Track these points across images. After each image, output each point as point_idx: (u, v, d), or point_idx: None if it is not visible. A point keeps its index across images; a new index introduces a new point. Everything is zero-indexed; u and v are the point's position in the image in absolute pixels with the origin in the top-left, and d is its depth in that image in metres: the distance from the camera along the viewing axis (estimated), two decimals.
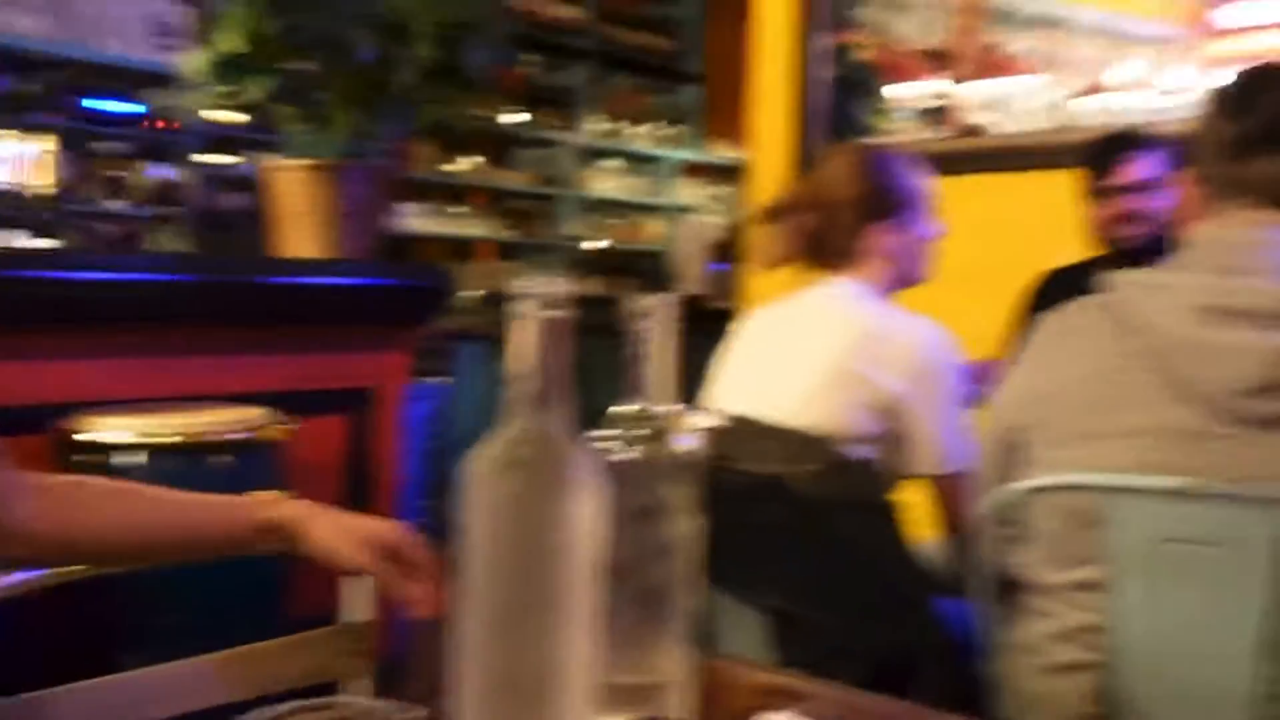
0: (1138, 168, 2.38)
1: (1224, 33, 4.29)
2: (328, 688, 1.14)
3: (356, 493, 2.35)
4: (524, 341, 0.63)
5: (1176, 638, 1.24)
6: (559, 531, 0.64)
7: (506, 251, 6.23)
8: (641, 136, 6.72)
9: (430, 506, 2.66)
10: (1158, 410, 1.24)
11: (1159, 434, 1.23)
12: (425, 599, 0.97)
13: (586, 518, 0.66)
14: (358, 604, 1.20)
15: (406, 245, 5.61)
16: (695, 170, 7.13)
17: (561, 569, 0.64)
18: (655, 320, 0.81)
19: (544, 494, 0.63)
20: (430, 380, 3.23)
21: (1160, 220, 2.30)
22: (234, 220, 4.70)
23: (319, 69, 2.09)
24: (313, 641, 1.19)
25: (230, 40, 1.98)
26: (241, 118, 4.25)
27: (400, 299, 2.44)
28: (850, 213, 1.76)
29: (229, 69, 2.02)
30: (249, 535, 1.04)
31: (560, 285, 0.63)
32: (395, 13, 2.03)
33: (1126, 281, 1.30)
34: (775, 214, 1.82)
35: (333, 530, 1.02)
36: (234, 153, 5.10)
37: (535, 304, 0.63)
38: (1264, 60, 1.36)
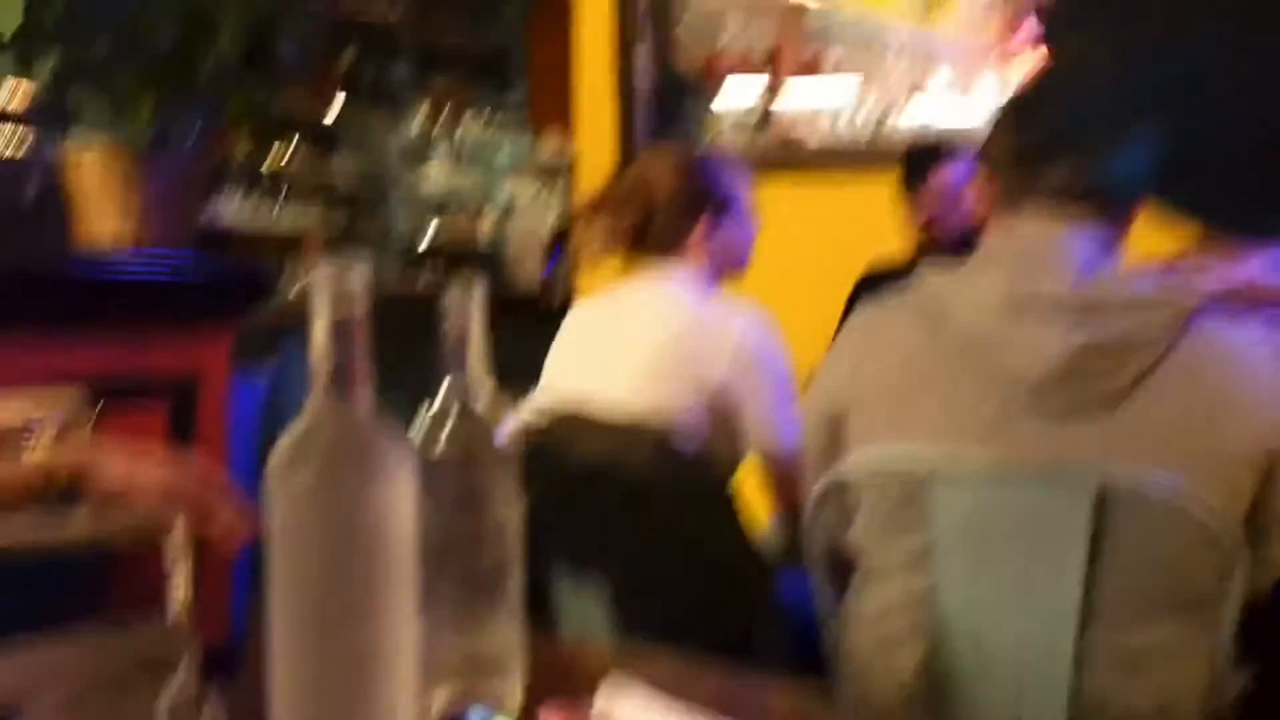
0: (949, 172, 2.51)
1: (1026, 48, 4.56)
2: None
3: None
4: (320, 334, 0.61)
5: (996, 610, 1.29)
6: (365, 518, 0.62)
7: (334, 245, 6.06)
8: (468, 134, 6.65)
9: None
10: (967, 397, 1.29)
11: (969, 419, 1.29)
12: (232, 532, 0.94)
13: (395, 503, 0.64)
14: (180, 591, 1.14)
15: (226, 236, 5.38)
16: (523, 169, 7.10)
17: (371, 556, 0.63)
18: (470, 308, 0.80)
19: (345, 481, 0.62)
20: (258, 373, 3.14)
21: (971, 221, 2.42)
22: (27, 206, 4.40)
23: (114, 52, 1.98)
24: (130, 637, 1.13)
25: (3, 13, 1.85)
26: (25, 98, 3.96)
27: (218, 290, 2.36)
28: (669, 209, 1.80)
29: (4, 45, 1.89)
30: (32, 477, 0.97)
31: (358, 270, 0.61)
32: (197, 2, 1.94)
33: (934, 277, 1.36)
34: (596, 208, 1.84)
35: (126, 465, 0.97)
36: (22, 135, 4.76)
37: (331, 289, 0.61)
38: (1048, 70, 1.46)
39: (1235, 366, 1.25)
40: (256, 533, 0.92)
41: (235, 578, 1.89)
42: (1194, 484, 1.21)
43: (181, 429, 2.28)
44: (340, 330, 0.62)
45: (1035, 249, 1.30)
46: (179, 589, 1.13)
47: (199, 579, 1.10)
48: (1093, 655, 1.26)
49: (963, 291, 1.31)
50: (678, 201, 1.80)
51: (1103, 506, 1.22)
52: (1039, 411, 1.26)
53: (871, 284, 2.58)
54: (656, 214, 1.80)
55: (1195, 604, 1.27)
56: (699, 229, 1.80)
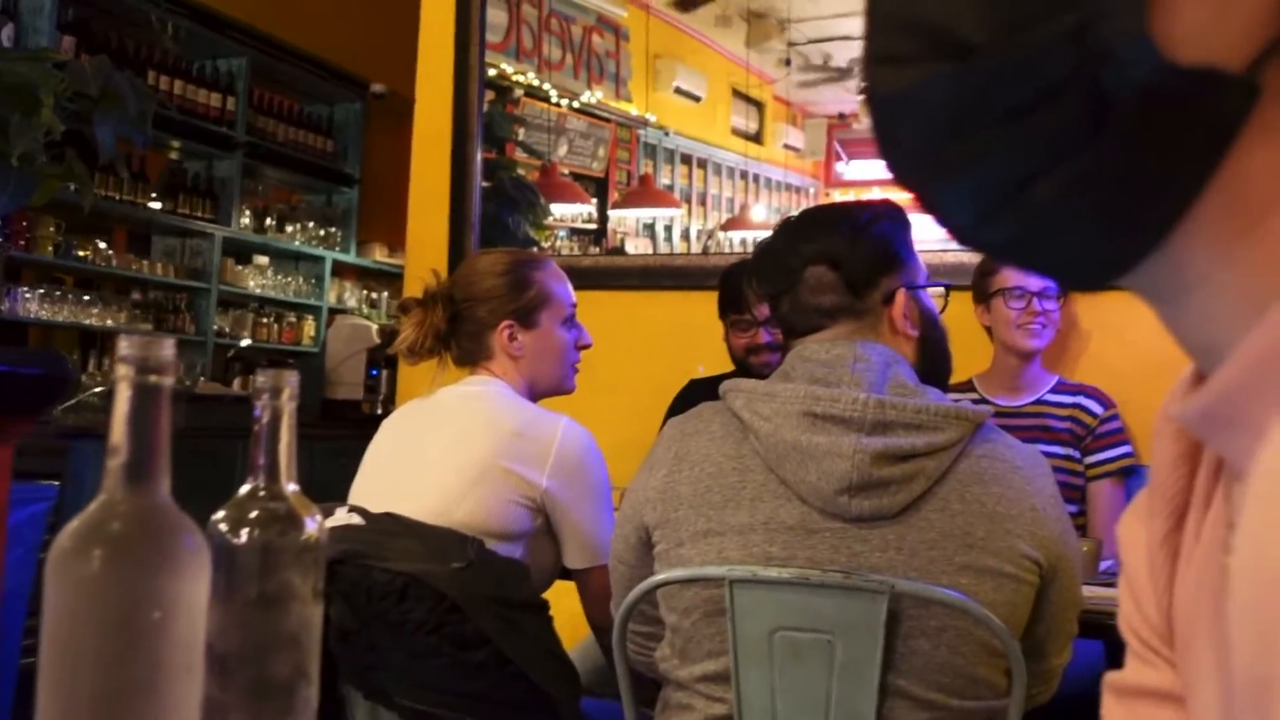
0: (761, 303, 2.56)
1: (847, 184, 4.86)
2: None
3: None
4: (121, 406, 0.58)
5: None
6: (153, 612, 0.58)
7: None
8: (294, 234, 6.53)
9: (36, 626, 2.35)
10: (769, 507, 1.33)
11: (771, 529, 1.32)
12: None
13: (188, 598, 0.61)
14: None
15: (21, 331, 5.07)
16: (350, 272, 7.00)
17: (157, 653, 0.59)
18: (281, 397, 0.77)
19: (135, 571, 0.58)
20: (41, 482, 2.91)
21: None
22: None
23: None
24: None
25: None
26: None
27: (9, 385, 2.18)
28: (480, 308, 1.79)
29: None
30: None
31: (164, 346, 0.59)
32: (17, 76, 1.86)
33: (741, 389, 1.40)
34: (411, 305, 1.83)
35: None
36: None
37: (134, 365, 0.58)
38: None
39: (1014, 483, 1.32)
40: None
41: None
42: (978, 596, 1.27)
43: None
44: (143, 406, 0.59)
45: (827, 366, 1.36)
46: None
47: None
48: None
49: (766, 403, 1.35)
50: (487, 301, 1.80)
51: (896, 613, 1.27)
52: (837, 520, 1.30)
53: (694, 392, 2.62)
54: (465, 313, 1.80)
55: (985, 712, 1.32)
56: (509, 332, 1.79)
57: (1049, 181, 0.42)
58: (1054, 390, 2.46)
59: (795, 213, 1.58)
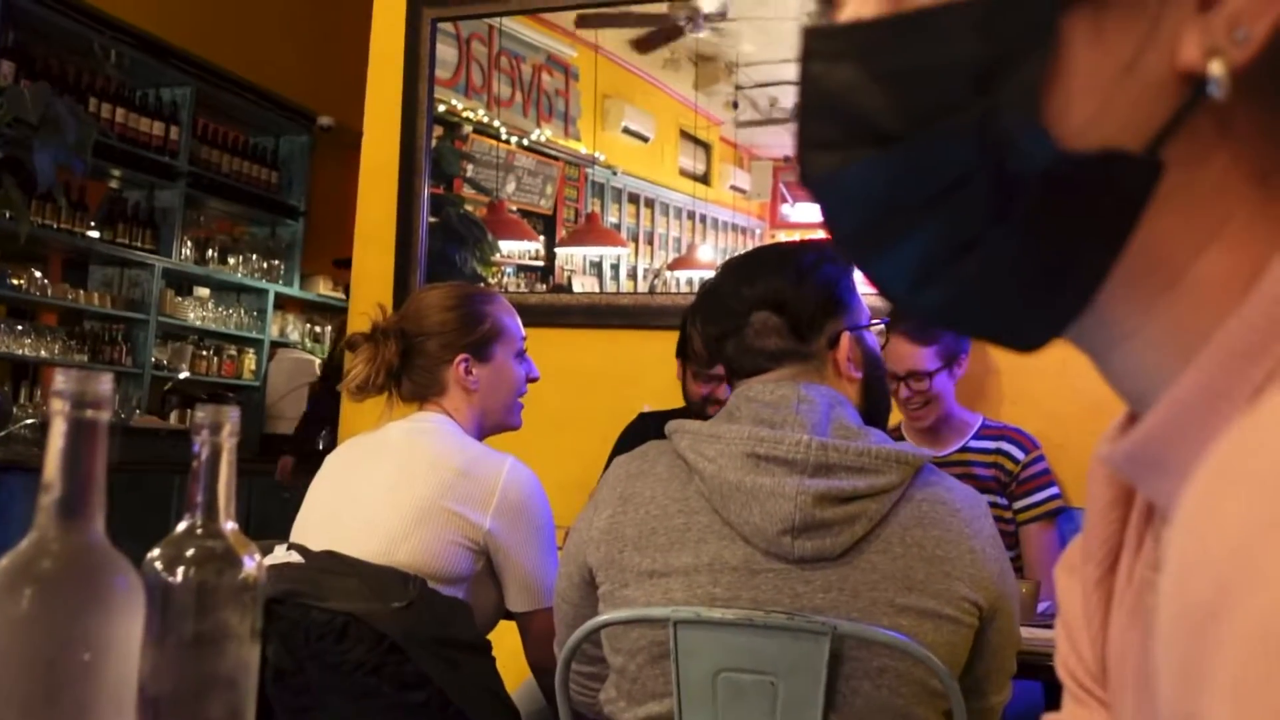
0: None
1: (792, 226, 4.93)
2: None
3: None
4: (55, 442, 0.57)
5: None
6: (83, 653, 0.57)
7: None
8: (237, 266, 6.46)
9: None
10: (714, 548, 1.33)
11: (715, 570, 1.32)
12: None
13: (120, 639, 0.59)
14: None
15: None
16: (293, 305, 6.93)
17: (86, 696, 0.57)
18: (221, 434, 0.76)
19: (66, 611, 0.57)
20: None
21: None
22: None
23: None
24: None
25: None
26: None
27: None
28: (433, 342, 1.78)
29: None
30: None
31: (101, 381, 0.58)
32: None
33: (686, 430, 1.40)
34: (364, 338, 1.80)
35: None
36: None
37: (70, 400, 0.57)
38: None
39: (953, 526, 1.34)
40: None
41: None
42: (918, 637, 1.28)
43: None
44: (78, 442, 0.58)
45: (771, 407, 1.37)
46: None
47: None
48: None
49: (711, 444, 1.36)
50: (438, 335, 1.78)
51: (838, 654, 1.27)
52: (780, 561, 1.30)
53: (644, 426, 2.61)
54: (417, 348, 1.78)
55: None
56: (461, 366, 1.78)
57: (970, 257, 0.44)
58: (977, 435, 2.46)
59: (739, 254, 1.58)
